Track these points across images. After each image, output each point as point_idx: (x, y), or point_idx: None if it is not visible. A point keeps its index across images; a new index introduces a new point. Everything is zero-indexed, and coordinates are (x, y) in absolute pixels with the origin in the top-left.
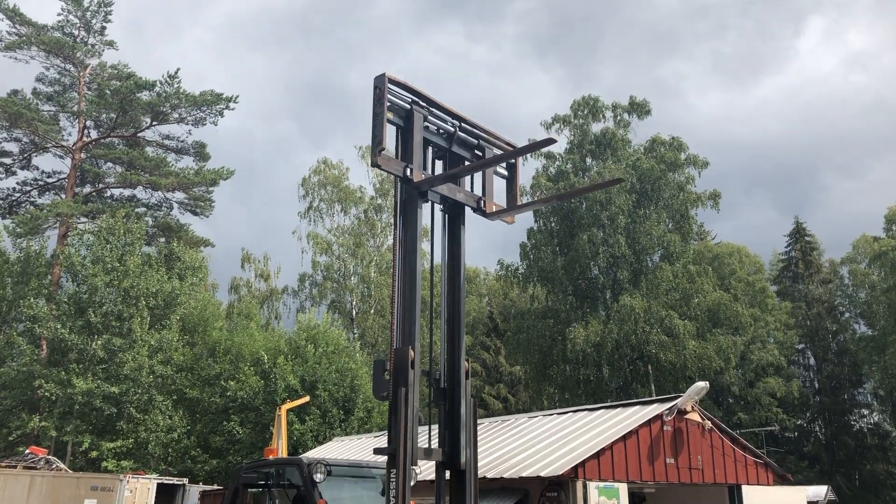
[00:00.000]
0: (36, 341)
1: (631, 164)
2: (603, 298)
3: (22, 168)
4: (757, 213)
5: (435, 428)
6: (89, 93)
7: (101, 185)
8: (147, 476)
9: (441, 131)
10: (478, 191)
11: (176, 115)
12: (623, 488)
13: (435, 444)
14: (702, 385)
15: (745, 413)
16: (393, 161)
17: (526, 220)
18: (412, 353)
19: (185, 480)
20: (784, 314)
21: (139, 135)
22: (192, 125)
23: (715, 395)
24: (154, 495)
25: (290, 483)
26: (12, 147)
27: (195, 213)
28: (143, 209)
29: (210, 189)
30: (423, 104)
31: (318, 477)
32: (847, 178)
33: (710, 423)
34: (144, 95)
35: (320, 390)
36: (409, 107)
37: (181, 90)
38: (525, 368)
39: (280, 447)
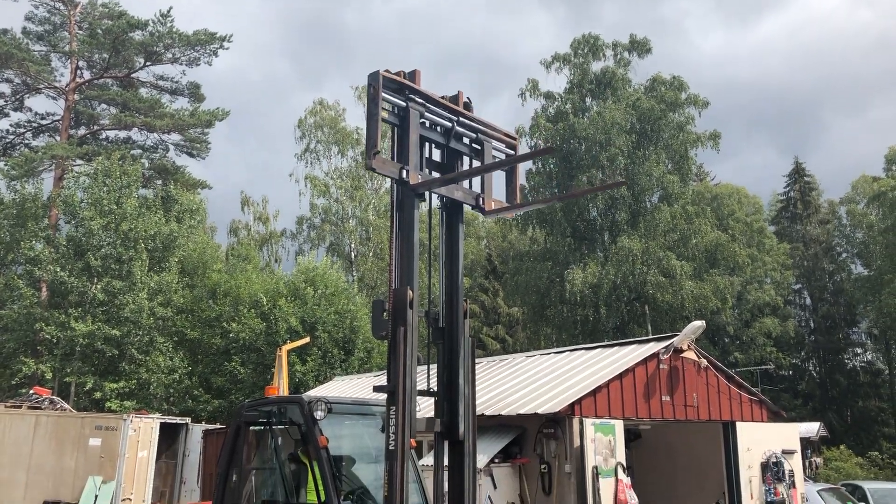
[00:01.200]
0: (35, 284)
1: (631, 103)
2: (601, 240)
3: (15, 110)
4: (757, 154)
5: (434, 368)
6: (80, 32)
7: (95, 127)
8: (150, 416)
9: (438, 127)
10: (476, 187)
11: (169, 56)
12: (619, 425)
13: (434, 384)
14: (698, 324)
15: (741, 352)
16: (388, 163)
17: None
18: (411, 293)
19: (188, 420)
20: (781, 255)
21: (132, 76)
22: (186, 65)
23: (711, 334)
24: (157, 434)
25: (291, 421)
26: (4, 88)
27: (191, 155)
28: (139, 151)
29: (206, 130)
30: (420, 100)
31: (319, 414)
32: (849, 118)
33: (705, 361)
34: (137, 35)
35: (320, 331)
36: (404, 104)
37: (174, 29)
38: (523, 310)
39: (281, 387)
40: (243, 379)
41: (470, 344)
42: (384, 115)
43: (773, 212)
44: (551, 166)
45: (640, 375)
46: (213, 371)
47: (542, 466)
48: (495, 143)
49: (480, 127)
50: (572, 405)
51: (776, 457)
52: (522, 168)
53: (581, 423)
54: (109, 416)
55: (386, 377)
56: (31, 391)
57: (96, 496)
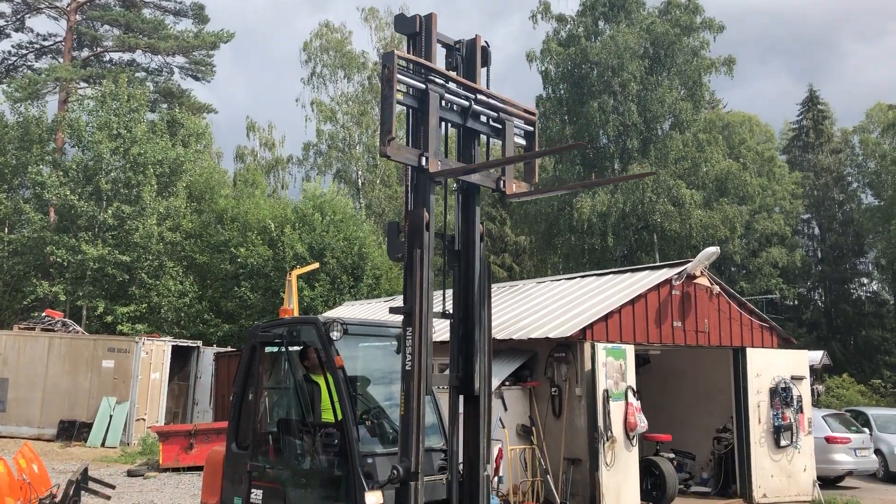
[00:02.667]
0: (44, 208)
1: (645, 27)
2: (611, 168)
3: (16, 30)
4: (769, 82)
5: (449, 292)
6: None
7: (98, 49)
8: (162, 339)
9: (454, 106)
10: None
11: None
12: (630, 350)
13: (450, 306)
14: (713, 250)
15: (747, 282)
16: (405, 149)
17: (534, 88)
18: (426, 215)
19: (200, 343)
20: (792, 184)
21: None
22: None
23: (718, 263)
24: (169, 357)
25: (305, 341)
26: (5, 8)
27: (196, 79)
28: (143, 74)
29: (210, 53)
30: (440, 81)
31: (335, 335)
32: (866, 44)
33: (717, 287)
34: None
35: (328, 258)
36: (423, 86)
37: None
38: (530, 238)
39: (292, 311)
40: (253, 304)
41: (486, 267)
42: (399, 96)
43: (784, 141)
44: (562, 92)
45: (652, 301)
46: (222, 295)
47: (553, 390)
48: (515, 121)
49: (498, 104)
50: (584, 330)
51: (785, 382)
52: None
53: (593, 347)
54: (122, 338)
55: (402, 299)
56: (44, 314)
57: (111, 416)
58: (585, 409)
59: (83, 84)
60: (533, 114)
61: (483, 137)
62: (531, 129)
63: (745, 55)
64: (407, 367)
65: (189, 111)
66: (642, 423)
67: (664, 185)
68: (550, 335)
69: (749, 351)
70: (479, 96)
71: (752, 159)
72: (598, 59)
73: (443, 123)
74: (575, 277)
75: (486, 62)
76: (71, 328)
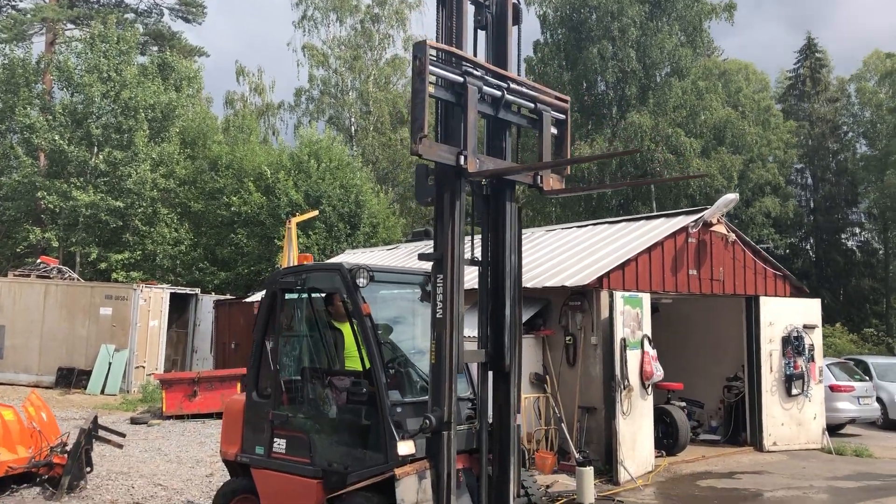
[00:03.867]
0: (33, 153)
1: None
2: (609, 115)
3: None
4: (765, 29)
5: (478, 239)
6: None
7: None
8: (160, 286)
9: (486, 97)
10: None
11: None
12: (646, 298)
13: (478, 253)
14: (731, 197)
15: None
16: (439, 147)
17: (532, 32)
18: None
19: (198, 290)
20: (787, 133)
21: None
22: None
23: None
24: (168, 305)
25: (330, 288)
26: None
27: (187, 20)
28: (133, 16)
29: None
30: (478, 72)
31: (361, 282)
32: None
33: (733, 235)
34: None
35: (325, 205)
36: (461, 79)
37: None
38: (523, 187)
39: (291, 259)
40: (249, 251)
41: (516, 212)
42: (430, 89)
43: (780, 89)
44: (560, 37)
45: (668, 249)
46: (217, 243)
47: (567, 338)
48: (549, 110)
49: (531, 92)
50: (601, 278)
51: (797, 331)
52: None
53: (611, 295)
54: (119, 285)
55: (433, 245)
56: (39, 260)
57: (110, 363)
58: (601, 357)
59: (70, 25)
60: (565, 101)
61: (513, 128)
62: (563, 116)
63: (741, 1)
64: (438, 315)
65: (180, 54)
66: (658, 372)
67: (663, 134)
68: (566, 283)
69: (762, 299)
70: (512, 85)
71: (750, 108)
72: (598, 3)
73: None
74: (587, 225)
75: (517, 20)
76: (66, 275)
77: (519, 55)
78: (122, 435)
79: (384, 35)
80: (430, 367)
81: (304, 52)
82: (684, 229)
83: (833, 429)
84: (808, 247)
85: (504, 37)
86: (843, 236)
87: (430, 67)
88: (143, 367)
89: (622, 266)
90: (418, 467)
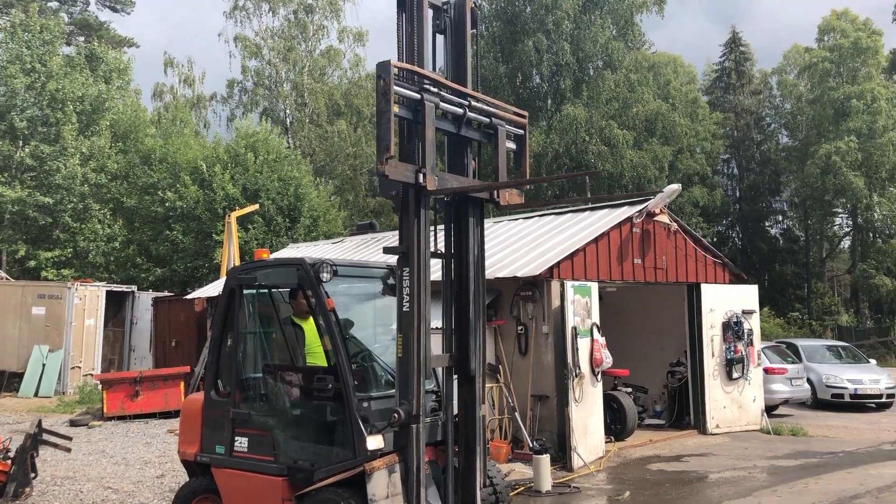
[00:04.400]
0: None
1: None
2: (545, 108)
3: None
4: (692, 22)
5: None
6: None
7: None
8: (96, 284)
9: (448, 115)
10: (486, 177)
11: None
12: (594, 287)
13: (441, 245)
14: (675, 187)
15: None
16: (401, 167)
17: None
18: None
19: (134, 288)
20: (713, 124)
21: None
22: None
23: None
24: (104, 303)
25: (291, 284)
26: None
27: (114, 10)
28: (56, 4)
29: None
30: (435, 89)
31: (325, 276)
32: None
33: (675, 224)
34: None
35: (263, 199)
36: (418, 96)
37: None
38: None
39: (231, 254)
40: (185, 247)
41: (479, 204)
42: (395, 108)
43: (707, 82)
44: (495, 30)
45: (614, 239)
46: (152, 239)
47: (519, 328)
48: (507, 126)
49: (491, 109)
50: (551, 268)
51: (737, 317)
52: (528, 150)
53: (562, 285)
54: (53, 284)
55: (398, 239)
56: None
57: (44, 365)
58: (553, 346)
59: None
60: (523, 116)
61: (475, 143)
62: (521, 132)
63: None
64: (405, 309)
65: (108, 45)
66: (607, 359)
67: (597, 126)
68: (518, 274)
69: (704, 287)
70: (473, 102)
71: (680, 100)
72: None
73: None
74: (533, 216)
75: (475, 24)
76: None
77: (477, 61)
78: (69, 438)
79: (318, 26)
80: (396, 361)
81: (236, 43)
82: (629, 220)
83: (768, 409)
84: (735, 234)
85: (462, 41)
86: (767, 224)
87: (394, 87)
88: (80, 368)
89: (571, 256)
90: (388, 461)
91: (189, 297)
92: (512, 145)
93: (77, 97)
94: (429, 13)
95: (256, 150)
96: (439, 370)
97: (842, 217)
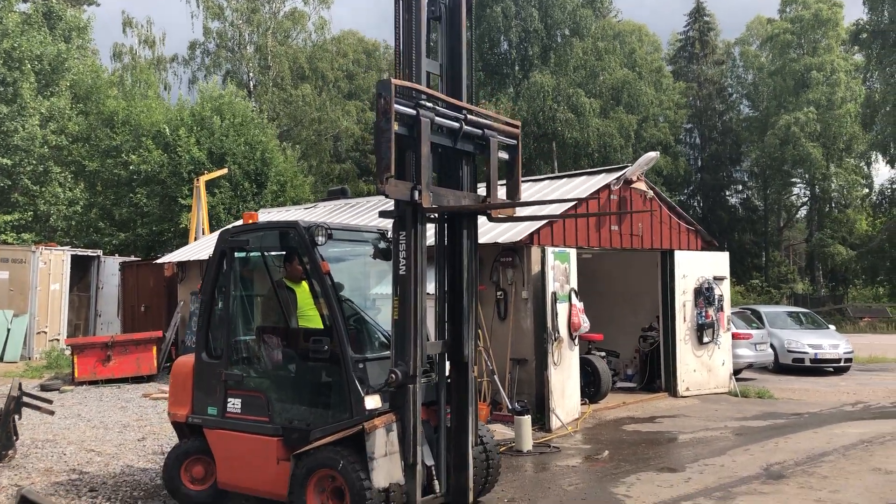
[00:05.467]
0: None
1: None
2: (512, 75)
3: None
4: None
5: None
6: None
7: None
8: (60, 248)
9: (443, 129)
10: (480, 189)
11: None
12: (573, 253)
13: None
14: (652, 155)
15: None
16: (400, 185)
17: None
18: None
19: (100, 252)
20: (677, 94)
21: None
22: None
23: None
24: (69, 267)
25: (285, 247)
26: None
27: None
28: None
29: None
30: (430, 104)
31: (320, 240)
32: None
33: (651, 192)
34: None
35: (230, 163)
36: (414, 112)
37: None
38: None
39: (200, 218)
40: (149, 211)
41: (472, 168)
42: (395, 126)
43: (671, 51)
44: None
45: (592, 206)
46: (115, 203)
47: (499, 293)
48: (500, 138)
49: (485, 121)
50: (532, 235)
51: (708, 283)
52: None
53: (542, 251)
54: (16, 248)
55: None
56: None
57: (9, 329)
58: (532, 311)
59: None
60: (516, 126)
61: (467, 155)
62: (514, 142)
63: None
64: (401, 272)
65: (67, 3)
66: (585, 324)
67: (564, 94)
68: (499, 240)
69: (677, 253)
70: (468, 115)
71: (646, 69)
72: None
73: (435, 151)
74: None
75: (469, 10)
76: None
77: (471, 51)
78: (50, 402)
79: None
80: (392, 323)
81: (198, 3)
82: (607, 187)
83: (733, 373)
84: (696, 203)
85: (458, 27)
86: (727, 193)
87: (395, 106)
88: (45, 333)
89: (550, 223)
90: (385, 420)
91: (159, 261)
92: (505, 155)
93: (35, 56)
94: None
95: (222, 114)
96: (431, 329)
97: (800, 187)
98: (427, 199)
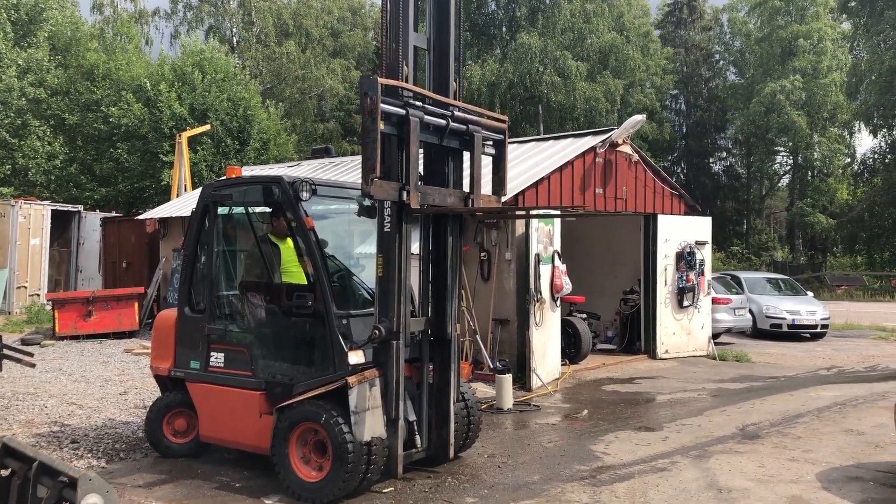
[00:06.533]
0: None
1: None
2: (500, 36)
3: None
4: None
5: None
6: None
7: None
8: (40, 202)
9: (430, 126)
10: (465, 185)
11: None
12: None
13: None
14: (639, 118)
15: None
16: (385, 185)
17: None
18: (406, 68)
19: (80, 207)
20: (664, 59)
21: None
22: None
23: None
24: (49, 222)
25: (269, 202)
26: None
27: None
28: None
29: None
30: (419, 102)
31: (304, 195)
32: None
33: (636, 155)
34: None
35: (212, 119)
36: (403, 112)
37: None
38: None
39: (182, 175)
40: (130, 167)
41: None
42: (381, 126)
43: (659, 16)
44: None
45: (577, 168)
46: (95, 158)
47: (482, 254)
48: (485, 131)
49: (472, 117)
50: (516, 196)
51: (690, 247)
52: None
53: (527, 213)
54: None
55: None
56: None
57: None
58: (515, 272)
59: None
60: (503, 121)
61: (453, 152)
62: (500, 137)
63: None
64: (386, 229)
65: None
66: (567, 286)
67: (551, 56)
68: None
69: (660, 217)
70: (455, 112)
71: (634, 33)
72: None
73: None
74: None
75: None
76: None
77: (459, 22)
78: (31, 354)
79: None
80: (376, 280)
81: None
82: (592, 149)
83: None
84: (680, 170)
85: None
86: (711, 161)
87: (381, 105)
88: (25, 288)
89: (536, 185)
90: (368, 376)
91: (141, 217)
92: (491, 150)
93: (11, 5)
94: None
95: (204, 69)
96: (415, 286)
97: (783, 156)
98: (415, 200)
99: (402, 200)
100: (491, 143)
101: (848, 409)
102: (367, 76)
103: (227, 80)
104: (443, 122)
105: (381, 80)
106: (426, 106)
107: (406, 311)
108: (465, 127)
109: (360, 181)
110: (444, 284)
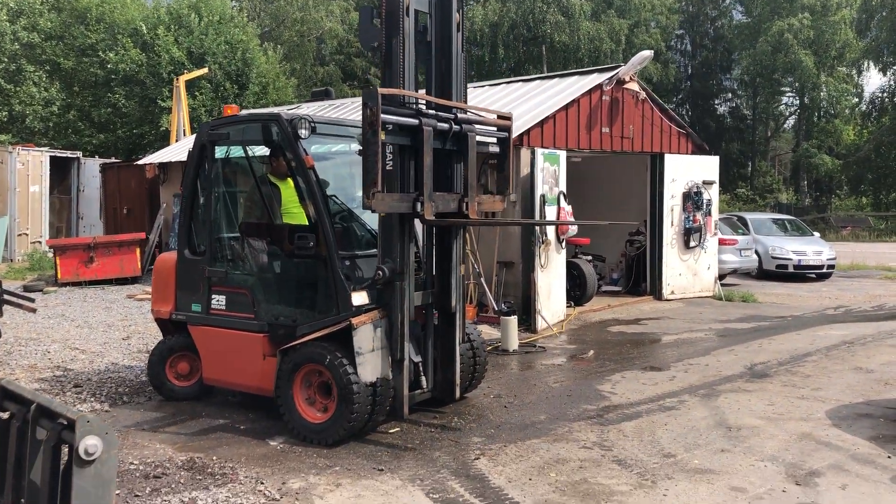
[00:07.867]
0: None
1: None
2: None
3: None
4: None
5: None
6: None
7: None
8: (38, 149)
9: (437, 131)
10: (458, 187)
11: None
12: (563, 155)
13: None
14: (647, 54)
15: None
16: (393, 198)
17: None
18: None
19: (80, 154)
20: None
21: None
22: None
23: None
24: (48, 168)
25: (267, 140)
26: None
27: None
28: None
29: None
30: (432, 110)
31: (303, 133)
32: None
33: (643, 93)
34: None
35: (210, 63)
36: (417, 122)
37: None
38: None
39: (181, 119)
40: (128, 112)
41: (462, 60)
42: (383, 135)
43: None
44: None
45: (584, 107)
46: (93, 104)
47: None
48: (489, 129)
49: (475, 117)
50: (521, 136)
51: (697, 187)
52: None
53: (532, 152)
54: None
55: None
56: None
57: None
58: (520, 214)
59: None
60: (508, 118)
61: (457, 154)
62: (505, 134)
63: None
64: (388, 168)
65: None
66: (573, 227)
67: None
68: (488, 140)
69: (667, 157)
70: (459, 114)
71: None
72: None
73: None
74: (500, 83)
75: None
76: None
77: (462, 23)
78: (32, 300)
79: None
80: (379, 220)
81: None
82: (599, 87)
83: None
84: (685, 112)
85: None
86: (716, 102)
87: (383, 116)
88: (27, 235)
89: (541, 123)
90: (372, 317)
91: (140, 162)
92: (495, 149)
93: None
94: None
95: (200, 12)
96: (419, 229)
97: (789, 97)
98: (429, 211)
99: (417, 213)
100: (496, 140)
101: (856, 348)
102: (367, 87)
103: (224, 22)
104: (445, 125)
105: (381, 90)
106: (439, 113)
107: (409, 252)
108: (469, 128)
109: (360, 119)
110: (448, 260)
